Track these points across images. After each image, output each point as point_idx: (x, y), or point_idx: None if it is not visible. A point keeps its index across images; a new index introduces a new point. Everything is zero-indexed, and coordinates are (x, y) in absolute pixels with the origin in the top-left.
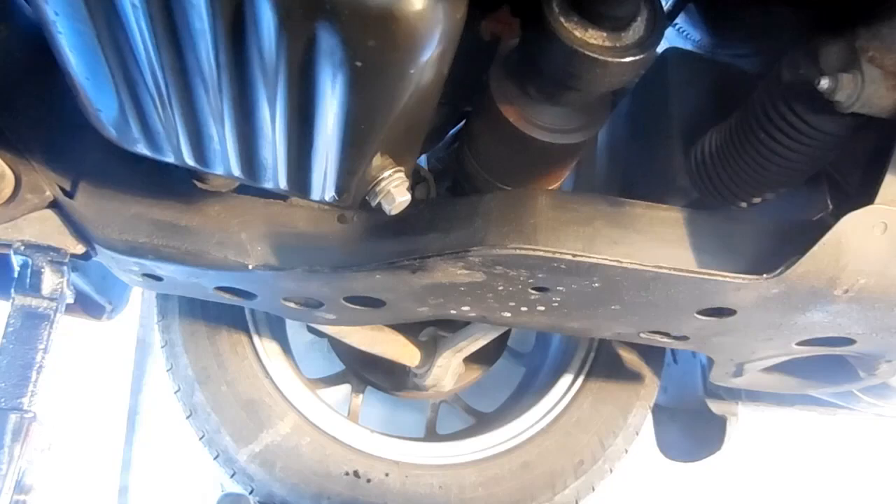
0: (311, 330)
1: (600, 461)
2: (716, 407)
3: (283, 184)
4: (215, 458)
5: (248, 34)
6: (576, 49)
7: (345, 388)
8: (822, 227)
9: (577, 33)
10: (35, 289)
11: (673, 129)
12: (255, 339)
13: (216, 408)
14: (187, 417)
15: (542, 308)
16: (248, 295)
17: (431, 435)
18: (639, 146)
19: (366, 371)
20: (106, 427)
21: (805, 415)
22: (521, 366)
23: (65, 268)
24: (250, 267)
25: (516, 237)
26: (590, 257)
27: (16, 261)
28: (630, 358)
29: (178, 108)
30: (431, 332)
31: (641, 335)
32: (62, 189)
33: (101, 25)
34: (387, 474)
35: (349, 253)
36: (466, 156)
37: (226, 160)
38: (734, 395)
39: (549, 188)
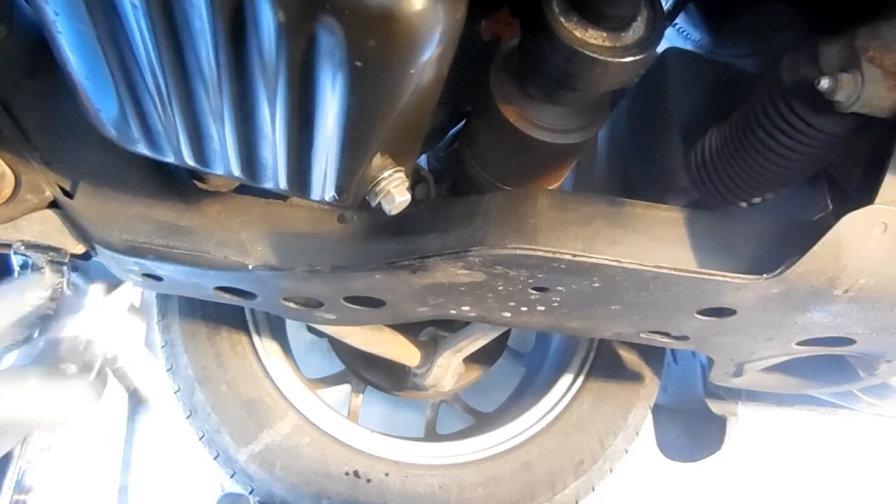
0: (311, 330)
1: (600, 461)
2: (716, 407)
3: (283, 184)
4: (215, 458)
5: (248, 34)
6: (576, 49)
7: (345, 388)
8: (822, 227)
9: (577, 33)
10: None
11: (673, 129)
12: (255, 339)
13: (216, 408)
14: (187, 417)
15: (542, 308)
16: (248, 295)
17: (431, 435)
18: (639, 146)
19: (366, 371)
20: (106, 427)
21: (805, 415)
22: (521, 366)
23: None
24: (250, 267)
25: (516, 237)
26: (590, 257)
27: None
28: (630, 358)
29: (178, 108)
30: (431, 332)
31: (641, 335)
32: (62, 189)
33: (101, 25)
34: (387, 474)
35: (349, 253)
36: (466, 156)
37: (226, 160)
38: (734, 395)
39: (549, 188)
